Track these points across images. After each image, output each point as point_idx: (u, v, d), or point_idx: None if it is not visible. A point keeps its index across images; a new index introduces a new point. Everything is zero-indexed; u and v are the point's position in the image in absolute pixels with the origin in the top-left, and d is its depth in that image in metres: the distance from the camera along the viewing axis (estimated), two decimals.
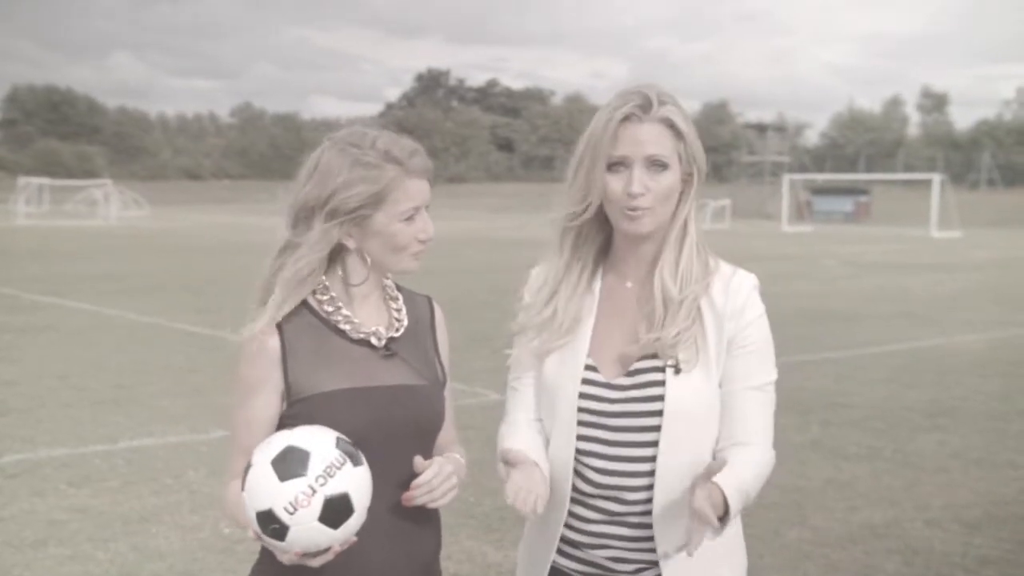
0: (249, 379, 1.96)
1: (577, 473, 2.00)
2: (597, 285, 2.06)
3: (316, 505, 1.70)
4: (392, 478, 1.93)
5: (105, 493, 5.78)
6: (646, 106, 1.94)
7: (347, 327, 1.99)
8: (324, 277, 2.00)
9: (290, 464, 1.71)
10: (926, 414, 8.10)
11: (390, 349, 2.02)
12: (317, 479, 1.70)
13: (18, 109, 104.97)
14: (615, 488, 1.97)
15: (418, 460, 1.93)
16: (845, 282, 19.82)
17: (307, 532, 1.71)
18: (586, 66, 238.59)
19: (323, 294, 2.00)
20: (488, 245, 29.67)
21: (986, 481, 6.26)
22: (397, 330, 2.04)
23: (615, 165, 1.95)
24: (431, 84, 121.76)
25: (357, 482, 1.76)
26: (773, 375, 2.01)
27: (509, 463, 1.90)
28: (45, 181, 56.62)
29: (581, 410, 1.98)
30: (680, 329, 1.93)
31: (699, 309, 1.97)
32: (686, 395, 1.93)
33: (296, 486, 1.70)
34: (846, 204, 60.59)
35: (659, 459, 1.94)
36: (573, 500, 2.01)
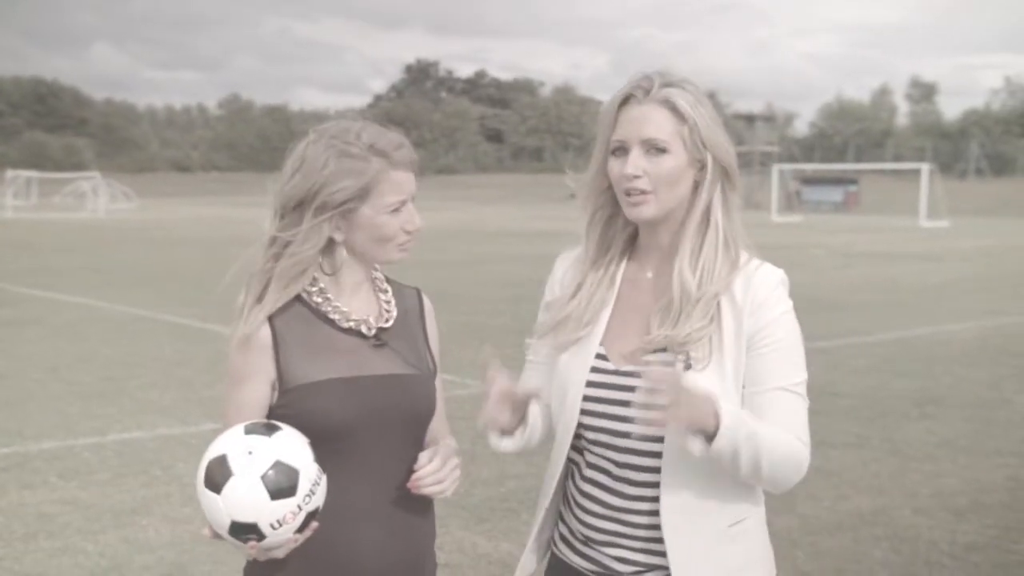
0: (240, 368, 1.97)
1: (580, 462, 1.97)
2: (619, 275, 2.00)
3: (298, 520, 1.77)
4: (384, 467, 1.95)
5: (95, 486, 5.77)
6: (647, 87, 1.87)
7: (337, 316, 1.99)
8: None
9: (280, 482, 1.75)
10: (914, 402, 8.14)
11: (380, 339, 2.02)
12: (304, 498, 1.77)
13: (3, 101, 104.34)
14: (620, 481, 1.90)
15: (424, 456, 1.95)
16: (834, 271, 19.86)
17: (280, 539, 1.78)
18: (566, 56, 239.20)
19: (312, 285, 2.00)
20: (477, 237, 29.64)
21: (973, 469, 6.30)
22: (387, 320, 2.04)
23: (617, 149, 1.90)
24: (419, 75, 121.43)
25: (324, 492, 1.82)
26: (802, 375, 1.89)
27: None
28: (33, 174, 56.24)
29: (587, 398, 1.92)
30: (693, 328, 1.85)
31: (719, 307, 1.88)
32: None
33: (286, 506, 1.75)
34: (835, 194, 60.67)
35: (664, 457, 1.85)
36: (579, 491, 1.97)
